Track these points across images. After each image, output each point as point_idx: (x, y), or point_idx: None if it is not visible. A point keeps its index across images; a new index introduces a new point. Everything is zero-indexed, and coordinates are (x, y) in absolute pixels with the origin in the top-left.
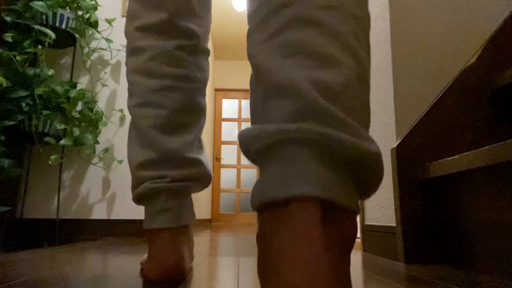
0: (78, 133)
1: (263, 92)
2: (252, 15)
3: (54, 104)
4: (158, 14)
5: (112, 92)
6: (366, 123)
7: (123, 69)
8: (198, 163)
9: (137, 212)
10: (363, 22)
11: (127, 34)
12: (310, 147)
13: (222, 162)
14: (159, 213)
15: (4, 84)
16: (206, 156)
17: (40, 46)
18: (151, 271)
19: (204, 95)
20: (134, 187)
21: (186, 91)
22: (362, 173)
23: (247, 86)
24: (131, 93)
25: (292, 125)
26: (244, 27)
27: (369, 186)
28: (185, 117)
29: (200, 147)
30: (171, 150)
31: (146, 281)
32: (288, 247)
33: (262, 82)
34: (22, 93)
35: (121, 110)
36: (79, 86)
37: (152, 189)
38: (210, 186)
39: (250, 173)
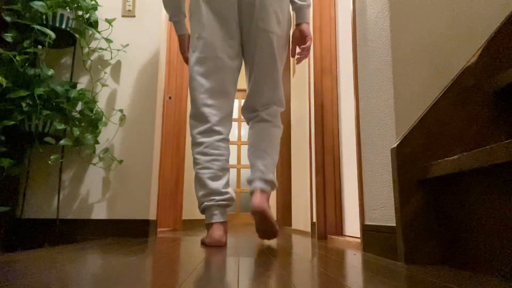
0: (78, 133)
1: (252, 163)
2: (249, 145)
3: (54, 104)
4: (207, 124)
5: (112, 92)
6: (273, 172)
7: (123, 69)
8: (228, 193)
9: (137, 212)
10: (276, 161)
11: (192, 134)
12: (260, 180)
13: None
14: (211, 217)
15: (4, 84)
16: (232, 191)
17: (40, 46)
18: (209, 242)
19: (229, 161)
20: (200, 205)
21: (222, 161)
22: (272, 183)
23: None
24: (196, 162)
25: (260, 175)
26: None
27: (274, 186)
28: (221, 172)
29: (228, 185)
30: (215, 189)
31: (205, 247)
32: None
33: (251, 162)
34: (22, 93)
35: (121, 110)
36: (79, 86)
37: (208, 205)
38: None
39: None
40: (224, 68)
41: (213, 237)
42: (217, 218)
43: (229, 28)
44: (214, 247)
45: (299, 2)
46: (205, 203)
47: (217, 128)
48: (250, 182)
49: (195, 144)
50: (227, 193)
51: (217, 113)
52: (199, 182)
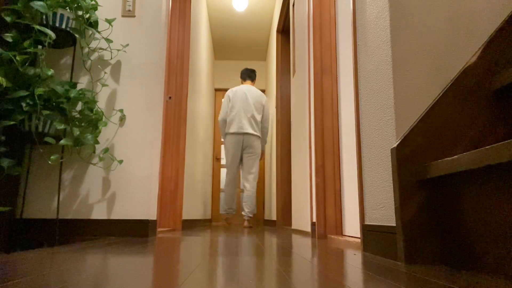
0: (78, 133)
1: (242, 205)
2: (242, 199)
3: (54, 104)
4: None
5: (112, 92)
6: (253, 210)
7: (123, 69)
8: (234, 207)
9: (137, 212)
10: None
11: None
12: (246, 215)
13: (222, 162)
14: (228, 213)
15: (4, 84)
16: (235, 205)
17: (40, 46)
18: (226, 222)
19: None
20: (222, 209)
21: (233, 195)
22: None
23: None
24: (224, 193)
25: (246, 214)
26: (244, 27)
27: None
28: (233, 198)
29: (234, 204)
30: (233, 207)
31: (225, 225)
32: None
33: (242, 205)
34: (22, 93)
35: (121, 110)
36: (79, 86)
37: (227, 212)
38: (210, 186)
39: None
40: (236, 165)
41: (228, 219)
42: (229, 214)
43: (238, 152)
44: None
45: (263, 144)
46: (227, 209)
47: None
48: (242, 213)
49: (225, 187)
50: (233, 207)
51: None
52: (225, 201)
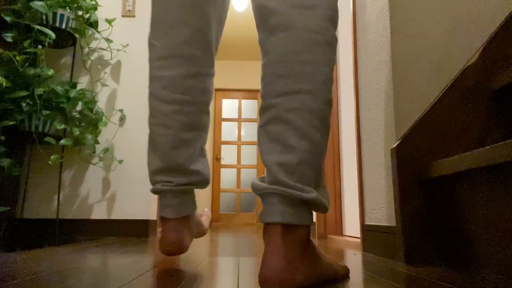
0: (78, 133)
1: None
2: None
3: (54, 104)
4: (169, 42)
5: (112, 92)
6: (313, 179)
7: (123, 69)
8: (198, 173)
9: (137, 212)
10: (320, 112)
11: (149, 61)
12: (277, 196)
13: (222, 162)
14: (165, 207)
15: (4, 84)
16: (206, 163)
17: (40, 46)
18: (161, 248)
19: (207, 112)
20: (152, 184)
21: (189, 113)
22: (311, 206)
23: (247, 86)
24: (150, 114)
25: (268, 187)
26: (244, 27)
27: (320, 211)
28: (188, 134)
29: (202, 155)
30: (177, 163)
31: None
32: (264, 255)
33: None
34: (22, 93)
35: (121, 110)
36: (79, 86)
37: (161, 190)
38: (210, 186)
39: (250, 173)
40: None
41: (166, 243)
42: (169, 212)
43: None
44: None
45: None
46: (157, 184)
47: (189, 50)
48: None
49: (150, 79)
50: (197, 171)
51: None
52: (153, 147)
